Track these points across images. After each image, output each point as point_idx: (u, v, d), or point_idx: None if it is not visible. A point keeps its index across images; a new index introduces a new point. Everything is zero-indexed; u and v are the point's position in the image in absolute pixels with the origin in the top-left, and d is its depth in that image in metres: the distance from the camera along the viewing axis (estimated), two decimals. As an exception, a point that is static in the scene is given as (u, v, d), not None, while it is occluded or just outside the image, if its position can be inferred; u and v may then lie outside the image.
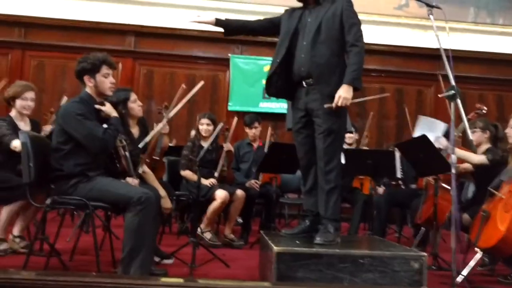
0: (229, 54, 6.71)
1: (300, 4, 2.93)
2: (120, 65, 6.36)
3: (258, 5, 6.70)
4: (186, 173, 4.16)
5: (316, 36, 2.76)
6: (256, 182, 4.45)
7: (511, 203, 2.97)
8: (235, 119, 4.67)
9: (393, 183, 4.98)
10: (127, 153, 2.85)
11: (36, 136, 2.87)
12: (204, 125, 4.23)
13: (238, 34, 3.26)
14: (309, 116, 2.82)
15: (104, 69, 2.80)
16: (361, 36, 2.76)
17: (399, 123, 6.86)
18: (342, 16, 2.77)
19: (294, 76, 2.85)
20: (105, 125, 2.75)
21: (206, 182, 3.99)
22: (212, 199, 3.98)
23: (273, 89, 2.93)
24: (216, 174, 4.13)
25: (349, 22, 2.76)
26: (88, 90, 2.83)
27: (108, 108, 2.83)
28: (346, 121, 2.91)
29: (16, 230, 3.40)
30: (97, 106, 2.81)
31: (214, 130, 4.07)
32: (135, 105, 3.42)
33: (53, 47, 6.47)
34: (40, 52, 6.44)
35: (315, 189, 2.84)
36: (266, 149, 4.59)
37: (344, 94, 2.65)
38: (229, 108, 6.68)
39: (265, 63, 6.67)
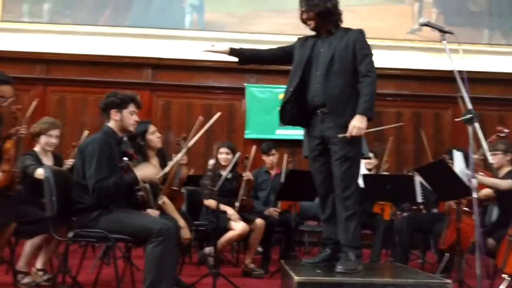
0: (244, 84, 6.80)
1: (312, 33, 2.99)
2: (138, 97, 6.48)
3: (272, 35, 6.80)
4: (210, 202, 4.13)
5: (329, 66, 2.80)
6: (275, 210, 4.44)
7: (537, 226, 2.91)
8: (254, 148, 4.70)
9: (414, 207, 4.91)
10: (146, 185, 2.89)
11: (58, 170, 2.94)
12: (223, 154, 4.26)
13: (252, 63, 3.33)
14: (325, 144, 2.84)
15: (132, 107, 2.91)
16: (373, 66, 2.80)
17: (417, 147, 6.80)
18: (355, 47, 2.82)
19: (308, 105, 2.89)
20: (125, 158, 2.80)
21: (229, 210, 3.99)
22: (229, 228, 3.98)
23: (287, 117, 2.97)
24: (236, 204, 4.13)
25: (362, 53, 2.81)
26: (111, 124, 2.90)
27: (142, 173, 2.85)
28: (362, 147, 2.92)
29: (39, 263, 3.43)
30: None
31: (233, 159, 4.10)
32: (154, 137, 3.49)
33: (73, 81, 6.65)
34: (61, 87, 6.62)
35: (334, 217, 2.83)
36: (283, 177, 4.60)
37: (358, 124, 2.69)
38: (246, 136, 6.73)
39: (280, 91, 6.71)
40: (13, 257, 3.47)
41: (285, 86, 6.52)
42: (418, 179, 4.12)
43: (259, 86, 6.85)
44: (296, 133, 6.57)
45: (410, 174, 4.49)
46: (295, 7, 7.51)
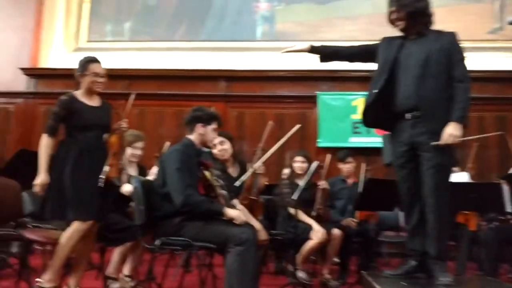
0: (316, 92, 6.77)
1: (396, 33, 2.90)
2: (213, 109, 6.66)
3: (344, 42, 6.72)
4: (294, 211, 4.14)
5: (424, 68, 2.70)
6: (353, 221, 4.36)
7: None
8: (328, 156, 4.65)
9: (502, 218, 4.61)
10: (224, 192, 2.96)
11: (145, 181, 3.09)
12: (299, 163, 4.26)
13: (333, 60, 3.25)
14: (413, 150, 2.74)
15: (214, 124, 3.04)
16: (467, 71, 2.69)
17: (502, 153, 6.40)
18: (450, 50, 2.71)
19: (396, 108, 2.78)
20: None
21: (314, 224, 3.97)
22: (308, 238, 3.95)
23: (370, 119, 2.91)
24: (313, 213, 4.12)
25: (457, 57, 2.70)
26: (192, 137, 3.03)
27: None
28: (455, 154, 2.79)
29: (126, 270, 3.62)
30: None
31: (308, 167, 4.09)
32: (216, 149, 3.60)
33: (152, 95, 6.96)
34: (141, 101, 6.93)
35: (420, 227, 2.73)
36: (361, 186, 4.52)
37: (453, 132, 2.58)
38: (318, 145, 6.68)
39: (353, 98, 6.65)
40: (102, 263, 3.69)
41: (358, 93, 6.45)
42: (506, 187, 3.88)
43: (331, 93, 6.79)
44: (370, 140, 6.46)
45: (497, 182, 4.23)
46: (366, 13, 7.49)
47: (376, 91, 2.80)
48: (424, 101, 2.68)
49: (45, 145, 3.02)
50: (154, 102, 6.99)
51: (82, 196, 2.91)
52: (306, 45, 3.07)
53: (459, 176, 4.87)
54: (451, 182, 4.24)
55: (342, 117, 6.65)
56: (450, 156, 2.68)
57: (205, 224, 2.77)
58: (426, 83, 2.68)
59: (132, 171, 3.85)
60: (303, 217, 3.96)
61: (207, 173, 2.97)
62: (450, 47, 2.71)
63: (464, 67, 2.69)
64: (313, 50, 3.06)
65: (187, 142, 3.03)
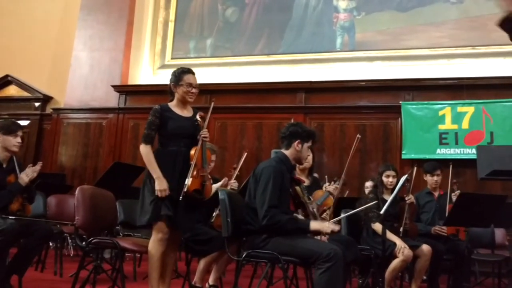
0: (400, 101, 6.53)
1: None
2: (292, 121, 6.69)
3: (429, 49, 6.50)
4: (377, 226, 4.01)
5: None
6: (442, 229, 4.15)
7: None
8: (415, 169, 4.47)
9: None
10: (315, 210, 2.92)
11: (232, 193, 3.14)
12: (390, 178, 4.11)
13: None
14: None
15: (310, 142, 3.01)
16: None
17: None
18: None
19: None
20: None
21: (397, 241, 3.82)
22: (393, 256, 3.80)
23: None
24: (401, 229, 3.95)
25: None
26: (287, 152, 3.01)
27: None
28: None
29: (211, 280, 3.69)
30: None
31: (397, 182, 3.94)
32: None
33: (233, 108, 7.13)
34: (223, 114, 7.14)
35: None
36: (448, 199, 4.28)
37: None
38: (403, 157, 6.42)
39: (440, 107, 6.34)
40: (188, 273, 3.80)
41: (444, 102, 6.11)
42: None
43: (415, 103, 6.52)
44: (459, 151, 6.11)
45: None
46: (452, 18, 7.13)
47: None
48: None
49: (146, 153, 3.07)
50: (235, 115, 7.15)
51: (155, 203, 2.95)
52: None
53: None
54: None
55: (428, 128, 6.35)
56: None
57: (292, 240, 2.75)
58: None
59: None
60: (388, 233, 3.81)
61: (298, 190, 2.95)
62: None
63: None
64: None
65: (282, 158, 3.01)
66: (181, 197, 2.95)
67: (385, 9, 6.91)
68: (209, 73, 7.38)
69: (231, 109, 7.12)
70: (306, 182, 3.82)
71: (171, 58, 7.85)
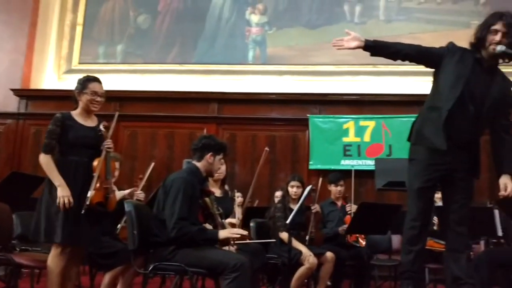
0: (308, 115, 6.82)
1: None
2: (205, 131, 6.69)
3: (334, 66, 6.86)
4: (284, 235, 4.10)
5: (483, 106, 2.69)
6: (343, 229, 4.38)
7: None
8: (320, 180, 4.68)
9: (494, 241, 4.63)
10: (224, 221, 2.94)
11: (139, 205, 3.06)
12: (295, 188, 4.26)
13: (387, 57, 2.88)
14: (446, 177, 2.80)
15: (222, 155, 3.03)
16: None
17: (492, 176, 6.46)
18: (507, 99, 2.73)
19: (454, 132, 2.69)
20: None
21: (303, 249, 3.95)
22: (299, 263, 3.94)
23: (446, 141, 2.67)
24: (307, 238, 4.11)
25: (509, 108, 2.79)
26: (199, 164, 3.01)
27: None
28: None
29: (117, 294, 3.56)
30: None
31: (302, 192, 4.09)
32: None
33: (144, 117, 6.97)
34: (133, 122, 6.96)
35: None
36: (350, 208, 4.55)
37: None
38: (310, 167, 6.70)
39: (344, 121, 6.71)
40: (92, 287, 3.63)
41: (348, 116, 6.46)
42: (497, 211, 3.92)
43: (322, 116, 6.85)
44: (362, 163, 6.50)
45: (490, 206, 4.27)
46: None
47: (448, 109, 2.64)
48: (471, 139, 2.77)
49: (46, 162, 2.96)
50: (145, 123, 7.00)
51: (58, 219, 2.86)
52: (358, 41, 2.74)
53: None
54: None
55: (333, 140, 6.69)
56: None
57: (199, 251, 2.75)
58: (480, 121, 2.72)
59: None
60: (294, 242, 3.94)
61: (208, 202, 2.96)
62: (508, 96, 2.73)
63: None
64: (366, 47, 2.77)
65: (193, 169, 3.00)
66: (83, 211, 2.83)
67: (295, 26, 7.19)
68: (120, 80, 7.16)
69: (141, 117, 6.96)
70: (218, 193, 3.84)
71: (79, 63, 7.50)
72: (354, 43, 2.77)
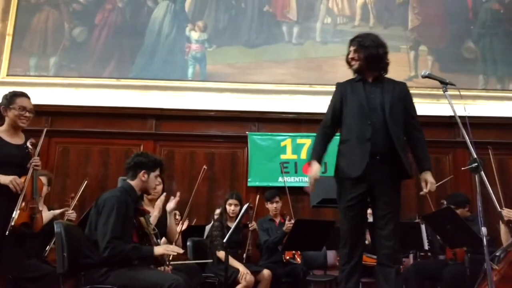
0: (247, 132, 6.88)
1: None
2: (141, 147, 6.56)
3: (272, 84, 7.00)
4: (221, 254, 4.06)
5: (388, 113, 2.88)
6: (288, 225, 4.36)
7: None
8: (257, 197, 4.72)
9: (422, 254, 4.87)
10: (159, 241, 2.89)
11: (69, 225, 2.94)
12: (232, 206, 4.27)
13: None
14: (369, 191, 2.89)
15: (157, 171, 2.98)
16: None
17: (418, 192, 6.80)
18: (407, 100, 2.98)
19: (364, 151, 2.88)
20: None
21: (240, 268, 3.94)
22: (237, 282, 3.93)
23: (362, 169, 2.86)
24: (244, 255, 4.11)
25: (413, 108, 2.99)
26: (133, 183, 2.94)
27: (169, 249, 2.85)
28: None
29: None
30: None
31: (240, 210, 4.10)
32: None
33: (77, 133, 6.72)
34: (65, 138, 6.68)
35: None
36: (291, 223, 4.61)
37: (433, 180, 2.89)
38: (249, 184, 6.71)
39: (282, 139, 6.83)
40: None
41: (286, 134, 6.58)
42: (423, 226, 4.13)
43: (260, 134, 6.93)
44: (299, 180, 6.63)
45: (417, 221, 4.49)
46: (294, 58, 7.79)
47: (368, 137, 2.86)
48: (387, 146, 2.87)
49: None
50: (79, 139, 6.73)
51: None
52: (316, 169, 3.07)
53: None
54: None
55: (271, 157, 6.78)
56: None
57: (133, 272, 2.67)
58: (390, 128, 2.87)
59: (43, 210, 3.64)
60: (231, 260, 3.94)
61: (143, 221, 2.89)
62: (407, 96, 2.97)
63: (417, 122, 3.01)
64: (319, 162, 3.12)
65: (126, 188, 2.93)
66: (7, 232, 2.68)
67: (235, 44, 7.27)
68: (52, 93, 6.86)
69: (75, 133, 6.70)
70: (154, 212, 3.76)
71: (7, 75, 7.11)
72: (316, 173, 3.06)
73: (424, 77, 2.99)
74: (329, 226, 4.07)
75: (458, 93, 3.02)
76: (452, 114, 2.88)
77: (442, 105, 6.56)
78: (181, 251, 2.82)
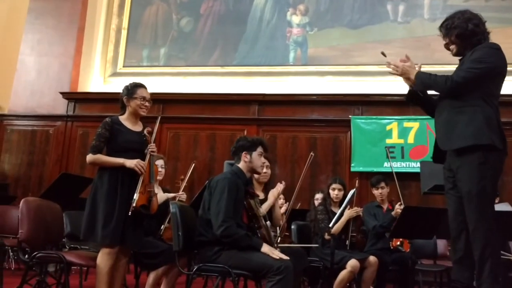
0: (350, 116, 6.73)
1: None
2: (245, 132, 6.73)
3: (376, 66, 6.73)
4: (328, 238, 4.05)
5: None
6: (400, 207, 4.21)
7: None
8: (357, 181, 4.60)
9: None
10: (268, 223, 2.95)
11: (183, 206, 3.12)
12: (336, 191, 4.22)
13: (421, 106, 3.08)
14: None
15: (260, 149, 3.06)
16: (464, 75, 2.68)
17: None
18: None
19: None
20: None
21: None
22: (343, 267, 3.89)
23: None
24: (347, 242, 4.06)
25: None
26: (240, 165, 3.06)
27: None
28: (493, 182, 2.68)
29: (161, 294, 3.63)
30: None
31: (343, 195, 4.04)
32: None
33: (186, 119, 7.08)
34: (175, 124, 7.08)
35: (467, 258, 2.65)
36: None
37: (408, 67, 2.84)
38: (352, 169, 6.59)
39: (387, 122, 6.57)
40: (138, 286, 3.72)
41: (391, 117, 6.31)
42: None
43: (364, 117, 6.74)
44: (406, 165, 6.36)
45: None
46: (399, 37, 7.42)
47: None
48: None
49: (97, 157, 3.06)
50: (188, 125, 7.10)
51: (108, 221, 2.94)
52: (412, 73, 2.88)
53: (499, 207, 4.72)
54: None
55: (376, 142, 6.56)
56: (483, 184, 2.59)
57: (244, 253, 2.76)
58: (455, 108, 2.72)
59: (158, 191, 3.88)
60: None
61: (252, 203, 2.99)
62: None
63: (464, 70, 2.65)
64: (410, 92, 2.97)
65: (236, 171, 3.05)
66: (130, 213, 2.92)
67: (337, 26, 7.12)
68: (162, 82, 7.31)
69: (184, 119, 7.07)
70: (261, 196, 3.84)
71: (123, 66, 7.71)
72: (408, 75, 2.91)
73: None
74: (440, 213, 3.85)
75: None
76: None
77: None
78: (285, 257, 2.81)
